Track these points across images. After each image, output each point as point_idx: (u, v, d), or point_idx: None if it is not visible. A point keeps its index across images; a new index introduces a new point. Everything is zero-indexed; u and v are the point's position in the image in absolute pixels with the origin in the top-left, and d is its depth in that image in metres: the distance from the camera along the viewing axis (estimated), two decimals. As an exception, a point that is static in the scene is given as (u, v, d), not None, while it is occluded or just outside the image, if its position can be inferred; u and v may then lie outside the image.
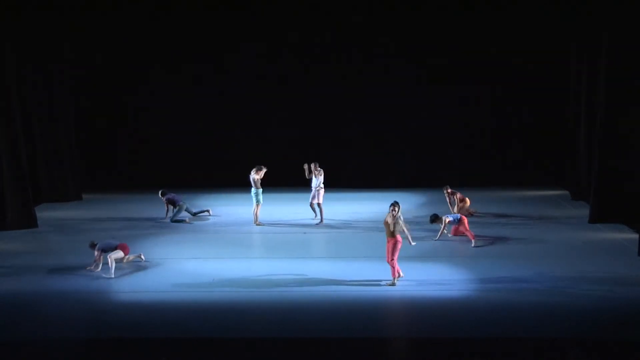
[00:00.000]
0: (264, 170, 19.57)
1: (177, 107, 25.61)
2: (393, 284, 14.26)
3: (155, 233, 19.01)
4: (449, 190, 20.42)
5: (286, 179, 23.67)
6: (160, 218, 20.34)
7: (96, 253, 15.36)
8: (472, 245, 17.18)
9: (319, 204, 19.71)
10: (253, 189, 19.49)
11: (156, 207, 21.11)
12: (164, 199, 20.22)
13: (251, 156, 25.42)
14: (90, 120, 25.29)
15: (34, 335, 12.23)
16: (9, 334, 12.27)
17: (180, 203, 20.15)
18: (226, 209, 21.93)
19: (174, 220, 19.93)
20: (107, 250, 15.38)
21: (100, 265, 15.29)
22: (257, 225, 19.54)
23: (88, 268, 15.37)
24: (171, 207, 20.17)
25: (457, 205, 20.08)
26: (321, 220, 19.73)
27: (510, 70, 24.89)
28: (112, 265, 15.09)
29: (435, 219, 18.01)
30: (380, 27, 24.93)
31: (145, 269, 15.59)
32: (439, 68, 25.14)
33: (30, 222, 19.70)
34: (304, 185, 20.83)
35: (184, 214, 20.23)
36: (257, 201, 19.51)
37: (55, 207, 22.42)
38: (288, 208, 21.52)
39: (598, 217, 19.26)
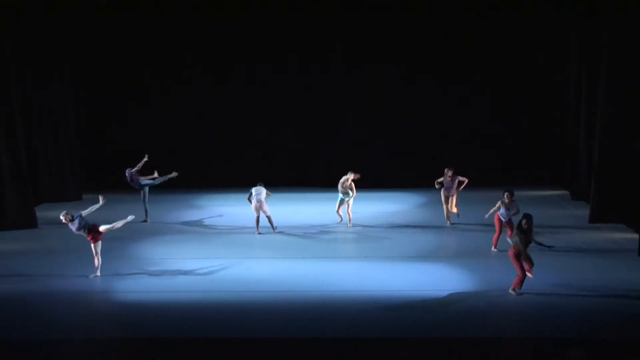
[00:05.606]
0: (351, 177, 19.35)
1: (178, 107, 25.57)
2: None
3: (155, 233, 19.03)
4: (450, 174, 19.28)
5: (287, 180, 23.69)
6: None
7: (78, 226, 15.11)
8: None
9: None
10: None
11: (156, 207, 21.18)
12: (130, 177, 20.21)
13: (251, 156, 25.60)
14: (90, 120, 25.29)
15: (34, 335, 12.23)
16: (9, 334, 12.28)
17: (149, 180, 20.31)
18: (226, 209, 21.96)
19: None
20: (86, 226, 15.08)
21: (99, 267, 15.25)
22: (349, 226, 19.39)
23: (93, 276, 15.16)
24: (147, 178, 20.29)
25: (456, 190, 19.22)
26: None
27: (510, 70, 24.87)
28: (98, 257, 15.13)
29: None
30: (381, 28, 24.92)
31: (145, 269, 15.60)
32: (439, 68, 25.12)
33: (30, 222, 19.72)
34: (303, 185, 20.85)
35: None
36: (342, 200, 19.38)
37: (55, 207, 22.34)
38: (287, 208, 21.49)
39: (598, 217, 19.25)
